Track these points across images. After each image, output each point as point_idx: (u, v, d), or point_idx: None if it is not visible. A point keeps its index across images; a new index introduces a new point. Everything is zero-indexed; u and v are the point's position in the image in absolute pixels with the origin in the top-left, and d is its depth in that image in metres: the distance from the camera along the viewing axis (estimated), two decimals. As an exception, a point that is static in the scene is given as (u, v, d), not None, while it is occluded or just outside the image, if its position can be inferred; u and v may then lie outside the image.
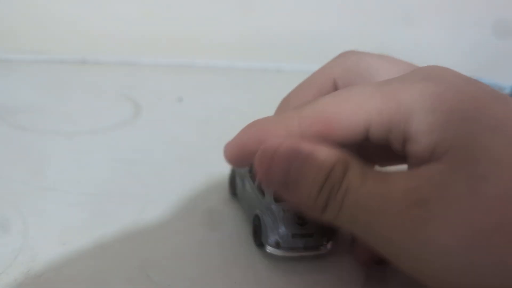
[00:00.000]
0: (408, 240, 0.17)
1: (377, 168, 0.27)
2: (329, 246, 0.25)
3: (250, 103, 0.52)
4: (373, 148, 0.25)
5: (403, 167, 0.23)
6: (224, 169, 0.30)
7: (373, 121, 0.21)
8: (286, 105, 0.27)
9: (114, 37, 0.66)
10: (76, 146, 0.38)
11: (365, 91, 0.22)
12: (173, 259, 0.25)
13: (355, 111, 0.21)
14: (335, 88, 0.25)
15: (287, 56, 0.70)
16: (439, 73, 0.22)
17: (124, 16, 0.67)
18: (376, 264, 0.25)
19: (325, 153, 0.21)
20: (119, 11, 0.67)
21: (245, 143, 0.24)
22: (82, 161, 0.36)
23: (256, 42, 0.70)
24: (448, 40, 0.73)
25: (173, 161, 0.37)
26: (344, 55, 0.26)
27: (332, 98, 0.23)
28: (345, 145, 0.22)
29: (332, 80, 0.25)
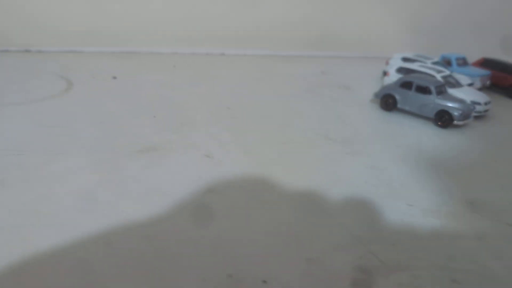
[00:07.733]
0: None
1: None
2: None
3: (182, 79, 0.54)
4: None
5: None
6: (145, 136, 0.32)
7: None
8: None
9: (60, 28, 0.67)
10: (1, 114, 0.39)
11: None
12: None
13: None
14: None
15: (230, 42, 0.73)
16: None
17: (71, 8, 0.69)
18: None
19: None
20: (68, 4, 0.69)
21: None
22: (4, 126, 0.37)
23: (201, 30, 0.73)
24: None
25: (95, 128, 0.38)
26: None
27: None
28: None
29: None
